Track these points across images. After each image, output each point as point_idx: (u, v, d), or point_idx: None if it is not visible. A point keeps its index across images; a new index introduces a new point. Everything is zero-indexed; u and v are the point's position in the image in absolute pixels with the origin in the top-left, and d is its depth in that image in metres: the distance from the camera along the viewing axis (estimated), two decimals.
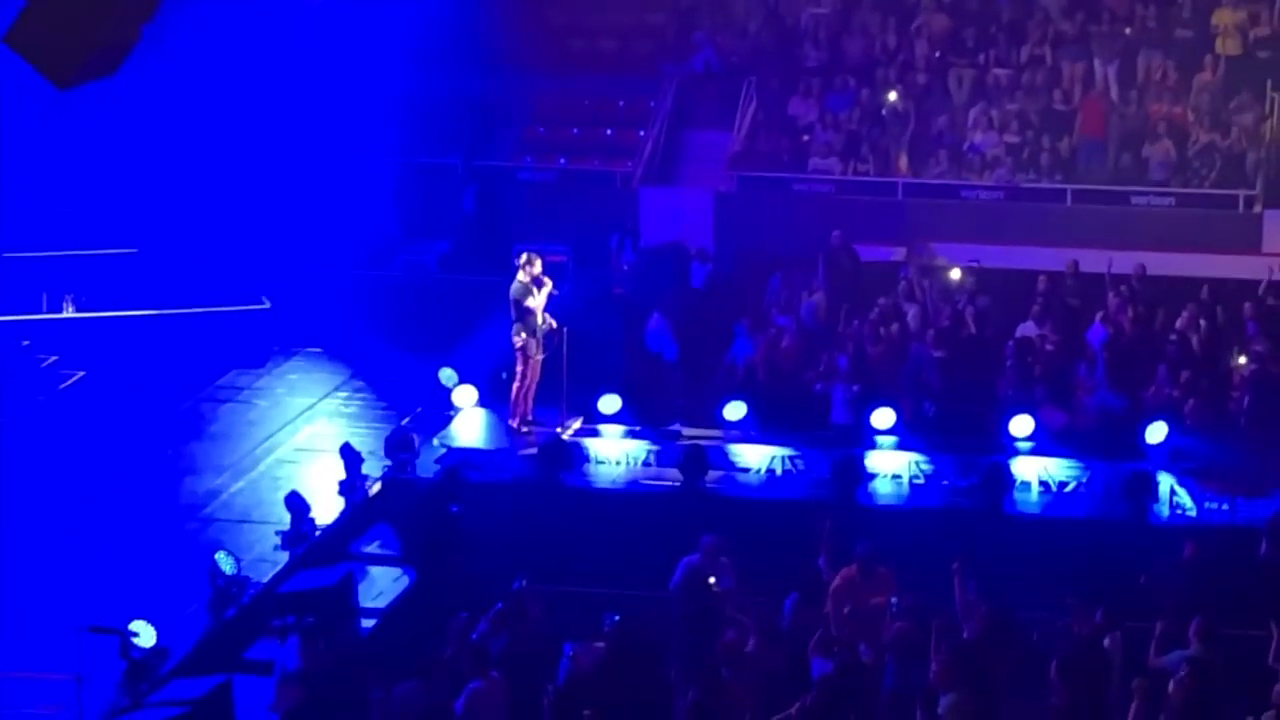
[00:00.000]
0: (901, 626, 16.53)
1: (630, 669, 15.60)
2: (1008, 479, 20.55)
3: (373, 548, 19.92)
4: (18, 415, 22.12)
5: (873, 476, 21.00)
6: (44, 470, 20.70)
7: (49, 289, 24.28)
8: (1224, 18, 29.69)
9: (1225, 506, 20.25)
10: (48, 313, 24.25)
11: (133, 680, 16.18)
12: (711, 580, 17.60)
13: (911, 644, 16.16)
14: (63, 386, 23.52)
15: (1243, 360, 22.77)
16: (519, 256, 22.14)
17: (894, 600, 17.16)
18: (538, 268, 21.94)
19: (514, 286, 21.86)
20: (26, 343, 23.76)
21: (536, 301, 21.81)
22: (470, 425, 22.55)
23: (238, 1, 26.40)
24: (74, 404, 23.03)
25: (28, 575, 18.10)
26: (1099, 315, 23.88)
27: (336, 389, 24.66)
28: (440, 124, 29.58)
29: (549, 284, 21.95)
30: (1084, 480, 20.83)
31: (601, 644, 16.15)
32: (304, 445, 22.65)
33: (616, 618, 16.22)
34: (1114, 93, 29.65)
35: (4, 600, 17.59)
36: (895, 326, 23.80)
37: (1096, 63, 29.90)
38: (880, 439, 21.52)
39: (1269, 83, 29.09)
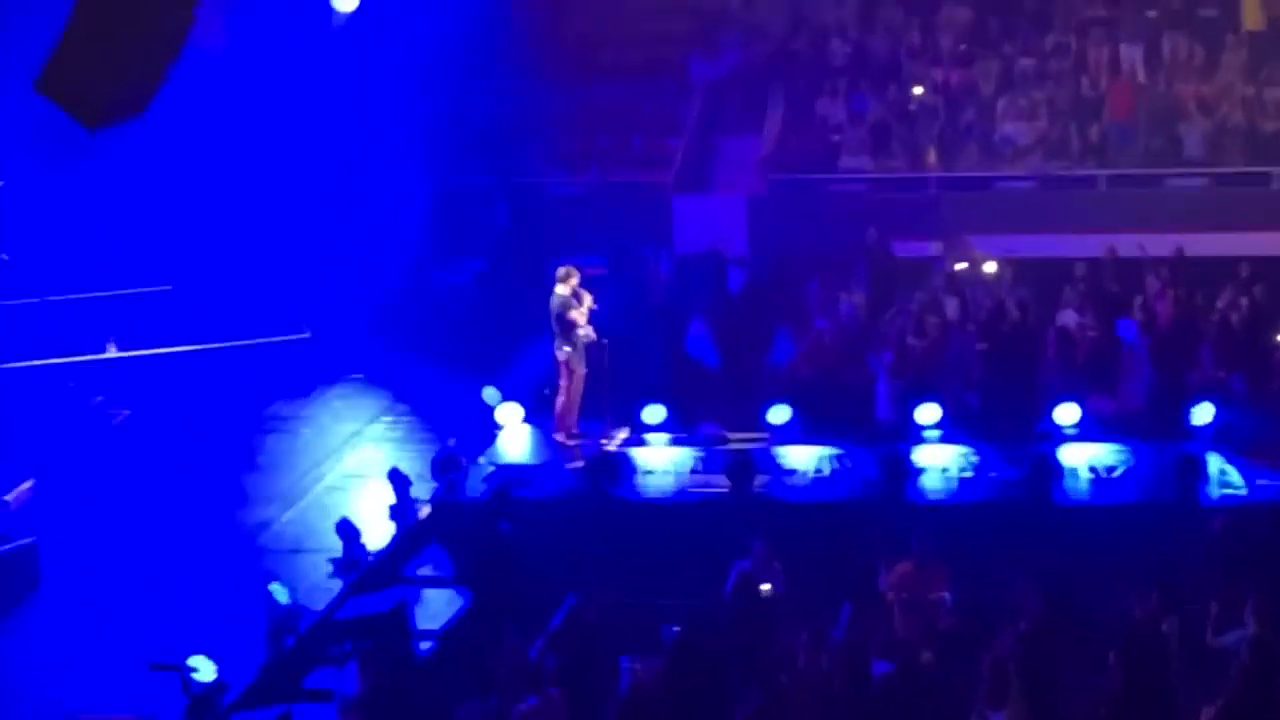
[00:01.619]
0: (955, 622, 16.53)
1: (691, 679, 15.58)
2: (1055, 468, 20.46)
3: (426, 570, 19.92)
4: (72, 455, 22.23)
5: (920, 471, 20.96)
6: (99, 509, 20.78)
7: (91, 331, 24.35)
8: None
9: (1277, 483, 20.16)
10: (91, 354, 24.31)
11: (195, 716, 16.18)
12: (765, 587, 17.60)
13: (965, 640, 16.16)
14: (113, 424, 23.59)
15: None
16: (557, 271, 22.19)
17: (947, 596, 17.17)
18: (576, 280, 22.04)
19: (554, 300, 21.95)
20: (100, 398, 23.84)
21: (579, 314, 21.91)
22: (516, 442, 22.57)
23: (261, 34, 26.48)
24: (124, 442, 23.10)
25: (88, 615, 18.18)
26: (1137, 301, 23.79)
27: (381, 414, 24.69)
28: (467, 142, 29.62)
29: (589, 298, 22.04)
30: (1132, 464, 20.75)
31: (661, 657, 16.12)
32: (352, 471, 22.69)
33: (676, 629, 16.19)
34: (1140, 75, 29.62)
35: (68, 641, 17.72)
36: (935, 320, 23.76)
37: (1122, 47, 29.88)
38: (926, 434, 21.48)
39: None
